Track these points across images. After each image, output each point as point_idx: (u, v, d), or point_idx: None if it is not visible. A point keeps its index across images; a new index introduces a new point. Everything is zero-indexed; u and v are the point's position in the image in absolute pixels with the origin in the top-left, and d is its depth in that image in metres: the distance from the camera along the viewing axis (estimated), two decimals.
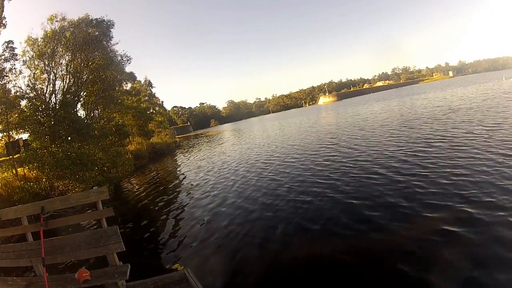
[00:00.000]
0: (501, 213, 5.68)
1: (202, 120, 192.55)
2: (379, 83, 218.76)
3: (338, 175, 10.68)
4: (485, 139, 11.27)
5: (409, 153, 11.62)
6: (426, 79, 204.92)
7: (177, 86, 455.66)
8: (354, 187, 9.09)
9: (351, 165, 11.71)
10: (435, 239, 5.33)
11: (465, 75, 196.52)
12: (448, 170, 8.68)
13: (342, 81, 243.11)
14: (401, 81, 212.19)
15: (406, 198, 7.34)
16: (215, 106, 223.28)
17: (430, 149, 11.47)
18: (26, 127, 16.56)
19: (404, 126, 18.41)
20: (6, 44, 16.91)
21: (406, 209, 6.76)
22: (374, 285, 4.61)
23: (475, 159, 9.16)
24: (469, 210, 6.08)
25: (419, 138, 13.88)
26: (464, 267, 4.47)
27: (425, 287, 4.27)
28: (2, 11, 16.38)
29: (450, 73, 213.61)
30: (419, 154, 11.08)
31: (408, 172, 9.34)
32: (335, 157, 13.64)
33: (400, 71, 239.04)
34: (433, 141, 12.77)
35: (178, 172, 21.02)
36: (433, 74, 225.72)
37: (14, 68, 17.46)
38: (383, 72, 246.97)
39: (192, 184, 14.93)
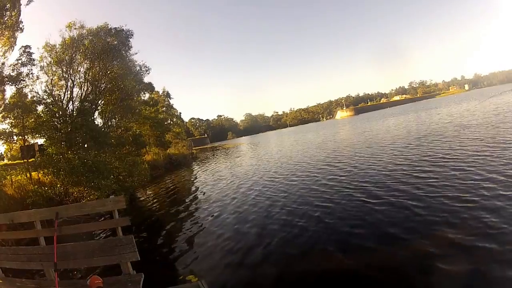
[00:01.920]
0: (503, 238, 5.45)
1: (219, 132, 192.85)
2: (396, 97, 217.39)
3: (342, 194, 10.37)
4: (492, 160, 10.78)
5: (415, 173, 11.17)
6: (443, 93, 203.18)
7: (196, 98, 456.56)
8: (354, 207, 8.85)
9: (354, 185, 11.27)
10: (431, 262, 5.14)
11: (481, 88, 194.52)
12: (452, 191, 8.33)
13: (360, 95, 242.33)
14: (418, 95, 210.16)
15: (405, 220, 7.13)
16: (232, 119, 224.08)
17: (436, 170, 10.99)
18: (42, 132, 16.72)
19: (414, 145, 17.86)
20: (23, 48, 17.22)
21: (401, 232, 6.54)
22: None
23: (482, 179, 8.82)
24: (471, 233, 5.84)
25: (427, 158, 13.37)
26: None
27: None
28: (19, 15, 16.67)
29: (466, 87, 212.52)
30: (425, 175, 10.61)
31: (410, 193, 8.97)
32: (339, 177, 13.10)
33: (417, 85, 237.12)
34: (439, 161, 12.30)
35: (193, 184, 20.90)
36: (449, 87, 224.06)
37: (31, 73, 17.69)
38: (400, 86, 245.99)
39: (207, 197, 14.72)
